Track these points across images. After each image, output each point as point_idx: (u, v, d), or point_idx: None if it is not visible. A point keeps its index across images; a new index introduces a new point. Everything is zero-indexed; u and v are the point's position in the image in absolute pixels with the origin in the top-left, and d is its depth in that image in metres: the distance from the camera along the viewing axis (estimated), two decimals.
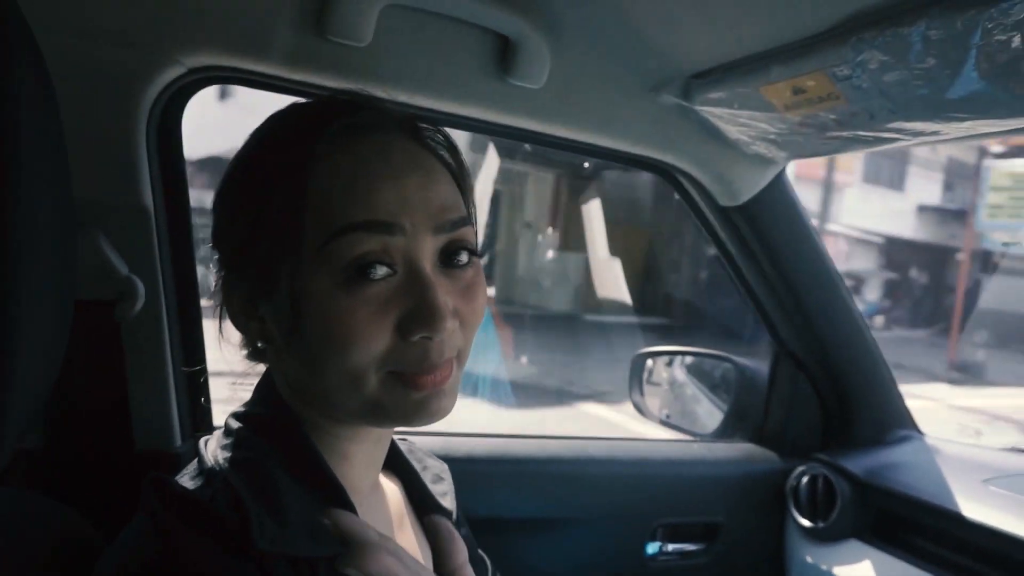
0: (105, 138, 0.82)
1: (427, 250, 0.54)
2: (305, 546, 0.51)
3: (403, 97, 0.66)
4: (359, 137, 0.55)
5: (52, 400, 0.86)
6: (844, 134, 0.89)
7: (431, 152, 0.59)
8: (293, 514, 0.51)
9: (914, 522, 1.15)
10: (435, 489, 0.74)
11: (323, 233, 0.51)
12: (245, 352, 0.63)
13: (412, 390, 0.54)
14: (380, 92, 0.61)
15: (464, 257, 0.57)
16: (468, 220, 0.57)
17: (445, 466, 0.79)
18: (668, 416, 1.53)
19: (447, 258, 0.56)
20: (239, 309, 0.58)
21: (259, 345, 0.59)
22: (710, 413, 1.51)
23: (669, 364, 1.59)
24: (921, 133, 0.83)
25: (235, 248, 0.58)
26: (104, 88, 0.80)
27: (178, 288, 0.92)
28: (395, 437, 0.74)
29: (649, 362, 1.54)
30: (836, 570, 1.20)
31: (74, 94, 0.77)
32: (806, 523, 1.26)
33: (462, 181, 0.61)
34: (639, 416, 1.52)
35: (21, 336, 0.39)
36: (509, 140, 1.01)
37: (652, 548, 1.27)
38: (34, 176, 0.38)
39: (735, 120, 0.95)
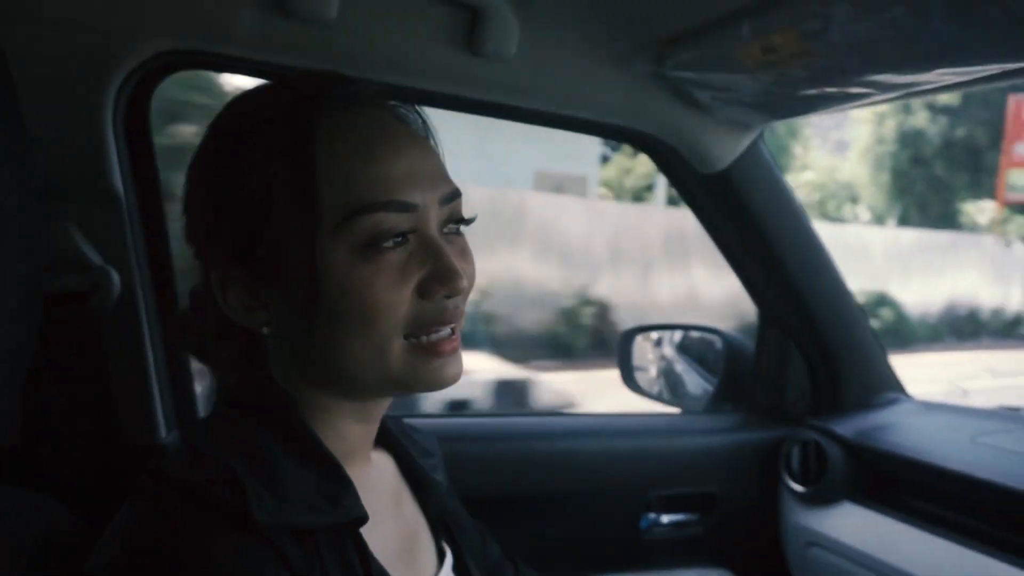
0: (72, 127, 0.81)
1: (435, 219, 0.57)
2: (305, 516, 0.52)
3: (370, 76, 0.66)
4: (354, 110, 0.56)
5: (33, 394, 0.86)
6: (816, 92, 0.89)
7: (410, 125, 0.60)
8: (291, 488, 0.52)
9: (906, 481, 1.16)
10: (425, 463, 0.75)
11: (342, 210, 0.52)
12: (227, 351, 0.62)
13: (433, 356, 0.57)
14: (348, 72, 0.61)
15: (458, 225, 0.60)
16: (460, 191, 0.60)
17: (434, 439, 0.80)
18: (659, 391, 1.53)
19: (445, 226, 0.59)
20: (238, 301, 0.57)
21: (264, 331, 0.58)
22: (701, 387, 1.51)
23: (659, 340, 1.58)
24: (894, 87, 0.83)
25: (234, 237, 0.56)
26: (69, 75, 0.79)
27: (154, 276, 0.91)
28: None
29: (638, 338, 1.53)
30: (831, 532, 1.21)
31: (38, 82, 0.76)
32: (799, 488, 1.26)
33: (441, 151, 0.62)
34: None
35: None
36: (481, 117, 1.00)
37: (647, 520, 1.27)
38: None
39: (708, 84, 0.95)
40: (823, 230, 1.29)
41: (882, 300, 11.25)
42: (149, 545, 0.48)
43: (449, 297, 0.57)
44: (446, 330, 0.58)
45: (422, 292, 0.55)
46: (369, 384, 0.58)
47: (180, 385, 0.98)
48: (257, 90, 0.60)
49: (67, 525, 0.64)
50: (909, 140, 14.00)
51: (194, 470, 0.53)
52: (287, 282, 0.55)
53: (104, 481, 0.77)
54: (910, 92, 0.86)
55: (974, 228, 14.43)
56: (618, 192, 12.49)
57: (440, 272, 0.55)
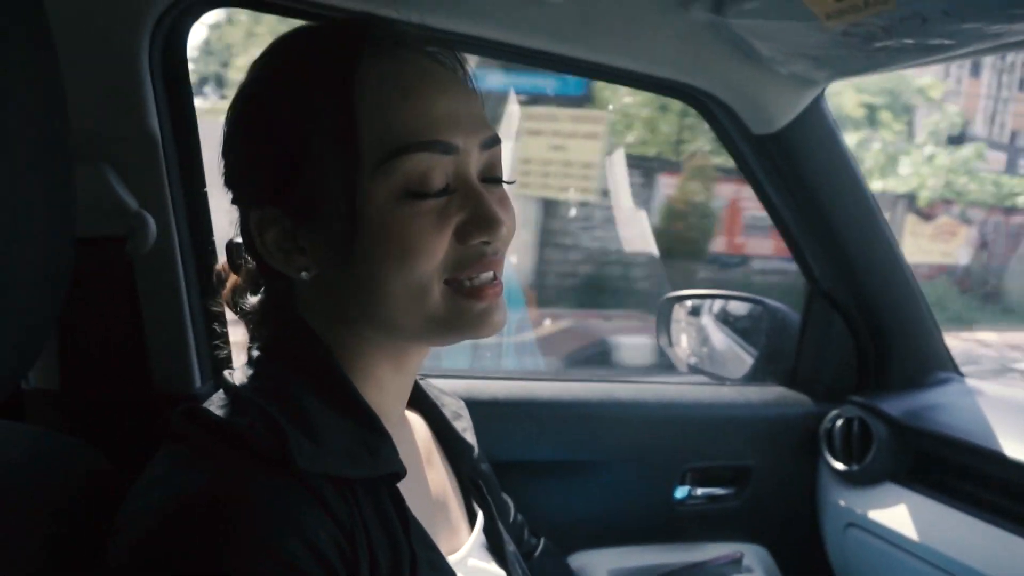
0: (106, 67, 0.79)
1: (474, 165, 0.56)
2: (344, 466, 0.52)
3: (414, 17, 0.62)
4: (395, 52, 0.55)
5: (67, 339, 0.86)
6: (892, 44, 0.82)
7: (453, 70, 0.59)
8: (329, 437, 0.52)
9: (954, 463, 1.11)
10: (456, 425, 0.75)
11: (383, 149, 0.52)
12: (259, 299, 0.62)
13: (475, 300, 0.56)
14: (392, 12, 0.60)
15: (499, 173, 0.59)
16: (500, 138, 0.59)
17: (462, 403, 0.80)
18: (696, 361, 1.49)
19: (485, 174, 0.58)
20: (276, 245, 0.57)
21: (303, 275, 0.57)
22: (740, 358, 1.46)
23: (698, 308, 1.54)
24: (980, 37, 0.76)
25: (274, 179, 0.55)
26: (103, 13, 0.76)
27: (191, 222, 0.90)
28: None
29: (677, 306, 1.49)
30: (871, 513, 1.17)
31: (72, 21, 0.74)
32: (840, 466, 1.22)
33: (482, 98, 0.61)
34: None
35: (7, 271, 0.37)
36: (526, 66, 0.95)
37: (681, 492, 1.24)
38: (19, 108, 0.36)
39: (770, 34, 0.89)
40: None
41: None
42: (190, 488, 0.47)
43: (488, 244, 0.56)
44: (488, 275, 0.57)
45: (460, 236, 0.55)
46: (409, 328, 0.57)
47: (216, 334, 0.97)
48: (298, 31, 0.59)
49: (103, 470, 0.64)
50: None
51: (233, 415, 0.52)
52: (327, 224, 0.54)
53: (139, 429, 0.77)
54: (996, 45, 0.78)
55: None
56: None
57: (480, 217, 0.54)
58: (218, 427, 0.51)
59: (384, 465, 0.54)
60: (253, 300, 0.63)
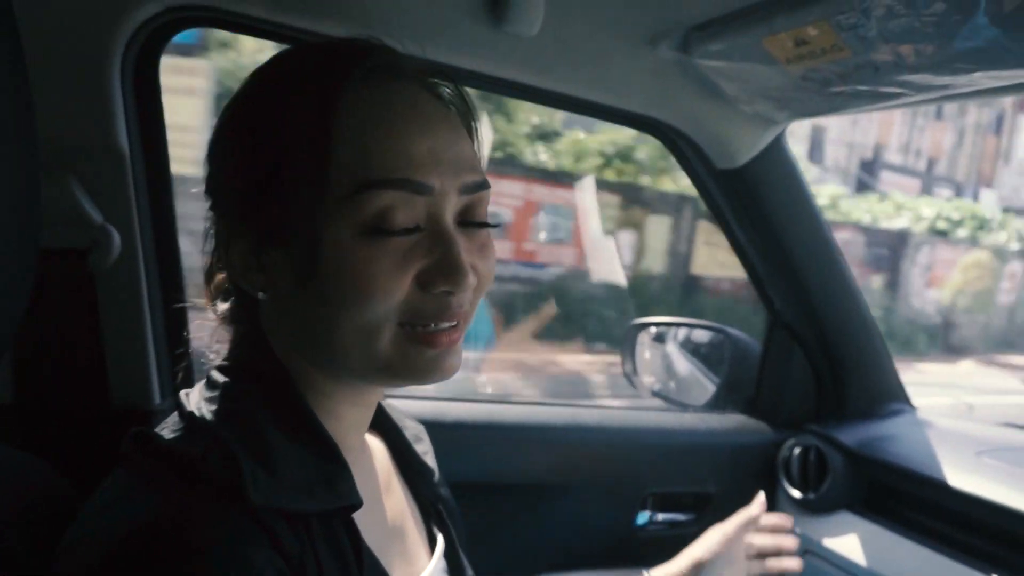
0: (77, 78, 0.78)
1: (451, 208, 0.53)
2: (299, 500, 0.49)
3: (389, 44, 0.63)
4: (387, 82, 0.53)
5: (24, 351, 0.84)
6: (847, 89, 0.86)
7: (450, 105, 0.57)
8: (286, 469, 0.50)
9: (907, 493, 1.14)
10: (416, 448, 0.74)
11: (352, 182, 0.49)
12: (228, 306, 0.61)
13: (426, 346, 0.53)
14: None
15: (481, 217, 0.56)
16: (488, 183, 0.56)
17: (422, 427, 0.79)
18: (660, 388, 1.51)
19: (465, 217, 0.55)
20: (240, 259, 0.55)
21: (260, 296, 0.56)
22: (702, 385, 1.49)
23: (663, 336, 1.56)
24: (928, 87, 0.80)
25: (244, 193, 0.54)
26: (77, 25, 0.76)
27: (156, 237, 0.89)
28: None
29: (642, 333, 1.51)
30: (826, 541, 1.19)
31: (43, 32, 0.74)
32: (797, 494, 1.25)
33: (478, 140, 0.59)
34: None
35: None
36: (499, 95, 0.98)
37: (642, 518, 1.25)
38: None
39: (735, 75, 0.92)
40: None
41: None
42: (138, 519, 0.45)
43: (451, 294, 0.53)
44: (450, 323, 0.54)
45: (422, 283, 0.52)
46: (355, 369, 0.54)
47: (177, 351, 0.96)
48: (293, 49, 0.58)
49: (55, 487, 0.63)
50: None
51: (186, 442, 0.50)
52: (288, 248, 0.52)
53: (95, 444, 0.75)
54: (944, 95, 0.83)
55: None
56: None
57: (444, 264, 0.51)
58: (169, 454, 0.49)
59: (340, 498, 0.52)
60: (223, 306, 0.62)
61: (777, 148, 1.12)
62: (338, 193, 0.50)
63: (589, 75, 0.96)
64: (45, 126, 0.46)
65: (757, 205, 1.17)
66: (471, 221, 0.55)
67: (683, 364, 1.53)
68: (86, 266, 0.81)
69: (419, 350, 0.53)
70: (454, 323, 0.54)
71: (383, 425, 0.74)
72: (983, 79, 0.75)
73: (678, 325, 1.57)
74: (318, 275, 0.51)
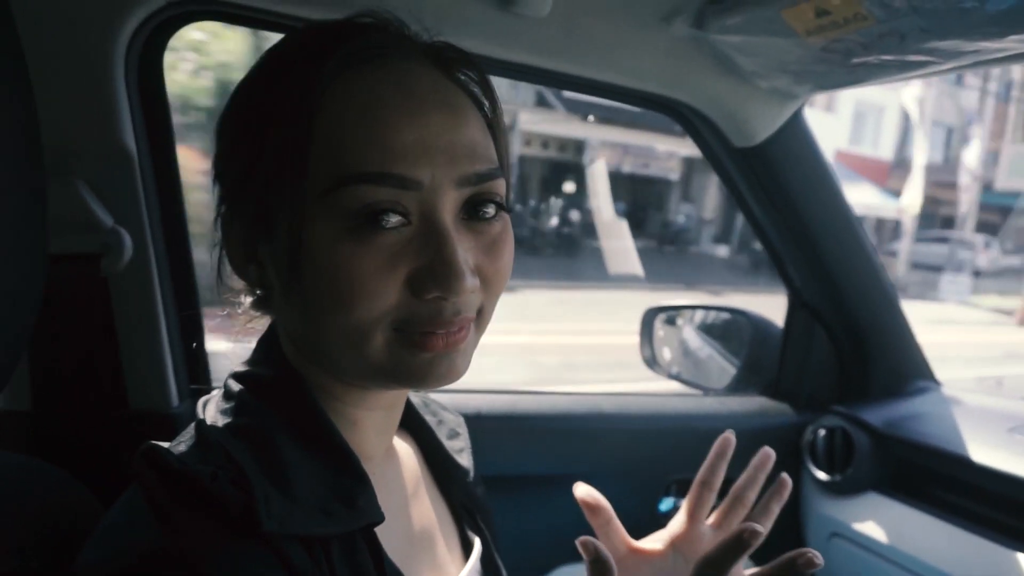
0: (81, 79, 0.77)
1: (448, 203, 0.48)
2: (317, 524, 0.46)
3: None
4: (376, 62, 0.48)
5: (39, 359, 0.83)
6: (870, 60, 0.83)
7: (460, 87, 0.51)
8: (302, 488, 0.47)
9: (936, 472, 1.12)
10: (451, 446, 0.71)
11: (329, 177, 0.45)
12: (248, 300, 0.57)
13: (420, 350, 0.49)
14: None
15: (491, 210, 0.50)
16: (498, 171, 0.50)
17: (461, 419, 0.76)
18: (680, 372, 1.49)
19: (472, 210, 0.50)
20: (237, 249, 0.52)
21: (259, 292, 0.54)
22: (723, 368, 1.47)
23: (681, 319, 1.54)
24: (956, 54, 0.77)
25: (234, 180, 0.51)
26: (77, 25, 0.75)
27: (167, 238, 0.88)
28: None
29: (660, 317, 1.49)
30: (854, 523, 1.18)
31: (43, 31, 0.72)
32: (823, 476, 1.23)
33: (495, 124, 0.53)
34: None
35: None
36: (509, 79, 0.95)
37: (666, 504, 1.24)
38: None
39: (752, 50, 0.89)
40: None
41: None
42: (147, 546, 0.43)
43: (444, 299, 0.48)
44: (441, 331, 0.49)
45: (413, 287, 0.47)
46: (351, 372, 0.51)
47: (193, 353, 0.95)
48: (290, 33, 0.54)
49: (76, 495, 0.62)
50: None
51: (199, 460, 0.47)
52: (277, 244, 0.49)
53: (114, 451, 0.74)
54: (974, 62, 0.80)
55: None
56: None
57: (436, 267, 0.46)
58: (179, 477, 0.45)
59: (359, 515, 0.49)
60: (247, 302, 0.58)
61: (795, 124, 1.09)
62: (319, 188, 0.46)
63: (601, 56, 0.94)
64: (49, 130, 0.45)
65: (776, 183, 1.14)
66: (477, 215, 0.50)
67: (702, 347, 1.51)
68: (99, 270, 0.80)
69: (412, 353, 0.49)
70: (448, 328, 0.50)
71: (412, 424, 0.70)
72: (1017, 43, 0.71)
73: (696, 308, 1.55)
74: (303, 273, 0.47)
